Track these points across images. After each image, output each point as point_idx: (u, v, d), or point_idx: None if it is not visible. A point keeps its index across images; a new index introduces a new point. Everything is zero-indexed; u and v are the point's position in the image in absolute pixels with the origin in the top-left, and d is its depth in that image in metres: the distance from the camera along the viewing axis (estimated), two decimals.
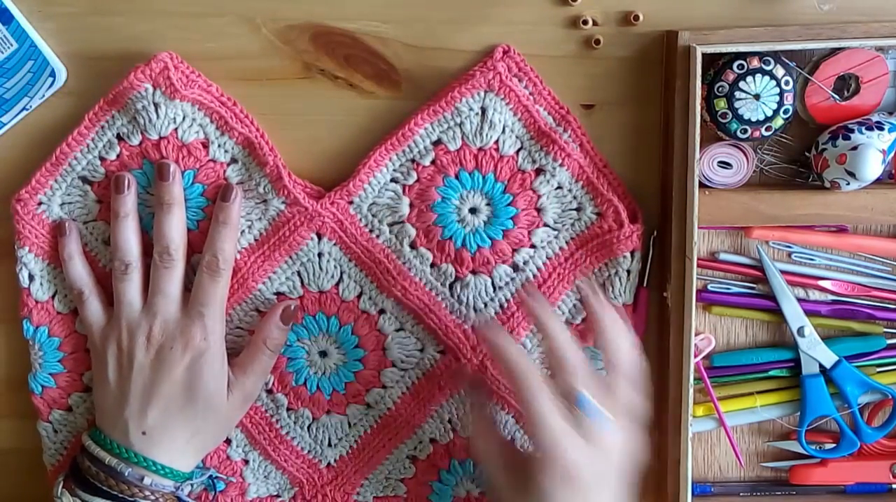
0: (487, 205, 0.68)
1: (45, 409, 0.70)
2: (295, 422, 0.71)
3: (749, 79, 0.64)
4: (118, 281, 0.67)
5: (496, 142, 0.67)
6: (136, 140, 0.66)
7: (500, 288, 0.69)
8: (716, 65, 0.66)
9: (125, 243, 0.66)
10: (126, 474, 0.64)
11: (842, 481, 0.72)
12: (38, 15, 0.67)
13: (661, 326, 0.70)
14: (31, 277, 0.69)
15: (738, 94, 0.65)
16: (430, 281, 0.69)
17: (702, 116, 0.65)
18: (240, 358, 0.68)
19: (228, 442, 0.71)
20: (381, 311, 0.70)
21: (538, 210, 0.68)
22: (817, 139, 0.67)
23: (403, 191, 0.68)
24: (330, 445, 0.72)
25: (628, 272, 0.69)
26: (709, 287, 0.71)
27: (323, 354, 0.70)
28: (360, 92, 0.69)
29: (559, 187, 0.68)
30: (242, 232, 0.68)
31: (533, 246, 0.69)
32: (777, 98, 0.65)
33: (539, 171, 0.68)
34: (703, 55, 0.63)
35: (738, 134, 0.66)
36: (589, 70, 0.68)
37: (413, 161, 0.68)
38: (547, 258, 0.69)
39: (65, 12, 0.67)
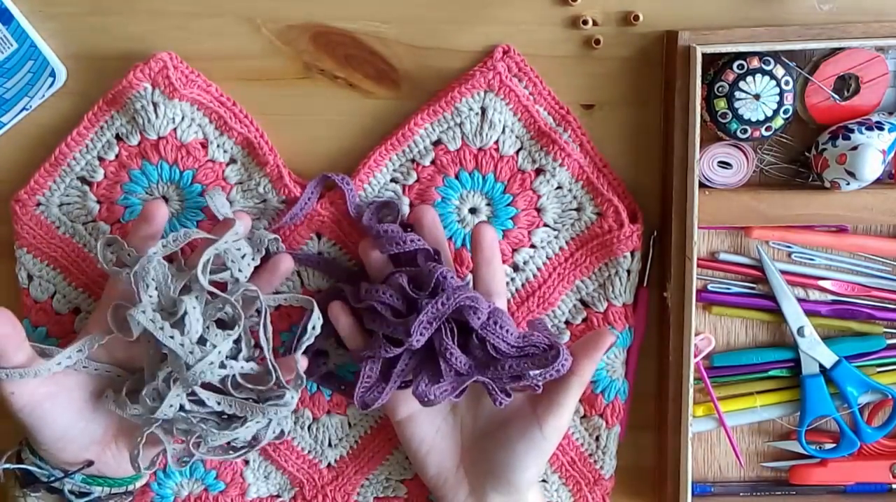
0: (487, 205, 0.68)
1: None
2: (295, 422, 0.71)
3: (749, 79, 0.64)
4: None
5: (496, 142, 0.67)
6: (134, 140, 0.66)
7: None
8: (716, 65, 0.66)
9: None
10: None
11: (842, 481, 0.72)
12: (38, 15, 0.67)
13: (661, 326, 0.70)
14: (29, 278, 0.69)
15: (738, 94, 0.65)
16: None
17: (702, 116, 0.65)
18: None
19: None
20: None
21: (538, 210, 0.68)
22: (817, 139, 0.67)
23: (403, 191, 0.68)
24: (330, 445, 0.72)
25: (628, 272, 0.69)
26: (709, 287, 0.71)
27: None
28: (360, 92, 0.69)
29: (559, 187, 0.68)
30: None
31: (533, 246, 0.69)
32: (777, 98, 0.65)
33: (539, 171, 0.68)
34: (703, 55, 0.63)
35: (738, 134, 0.66)
36: (589, 70, 0.68)
37: (413, 161, 0.68)
38: (547, 258, 0.69)
39: (65, 12, 0.67)
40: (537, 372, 0.61)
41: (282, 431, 0.65)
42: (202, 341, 0.60)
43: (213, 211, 0.65)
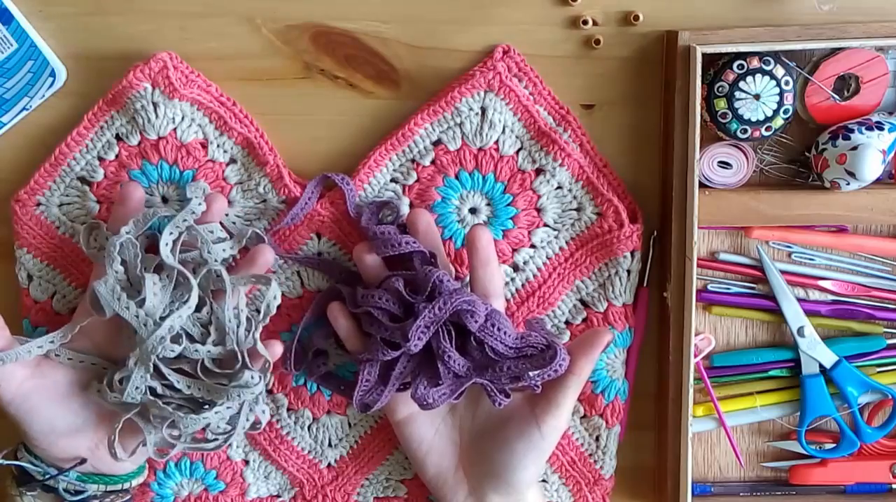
0: (487, 205, 0.68)
1: None
2: (295, 423, 0.71)
3: (749, 79, 0.64)
4: None
5: (496, 142, 0.67)
6: (134, 140, 0.66)
7: None
8: (716, 65, 0.66)
9: None
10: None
11: (842, 481, 0.72)
12: (38, 15, 0.67)
13: (661, 326, 0.70)
14: (29, 278, 0.69)
15: (738, 94, 0.65)
16: None
17: (702, 116, 0.65)
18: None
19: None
20: None
21: (538, 210, 0.68)
22: (817, 139, 0.67)
23: (403, 191, 0.68)
24: (330, 445, 0.72)
25: (628, 272, 0.69)
26: (709, 287, 0.71)
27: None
28: (360, 92, 0.69)
29: (559, 187, 0.68)
30: None
31: (533, 246, 0.69)
32: (777, 98, 0.65)
33: (539, 171, 0.68)
34: (703, 55, 0.63)
35: (738, 134, 0.66)
36: (589, 70, 0.68)
37: (413, 161, 0.68)
38: (547, 258, 0.69)
39: (65, 12, 0.67)
40: (536, 372, 0.61)
41: (256, 420, 0.66)
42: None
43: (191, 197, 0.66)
